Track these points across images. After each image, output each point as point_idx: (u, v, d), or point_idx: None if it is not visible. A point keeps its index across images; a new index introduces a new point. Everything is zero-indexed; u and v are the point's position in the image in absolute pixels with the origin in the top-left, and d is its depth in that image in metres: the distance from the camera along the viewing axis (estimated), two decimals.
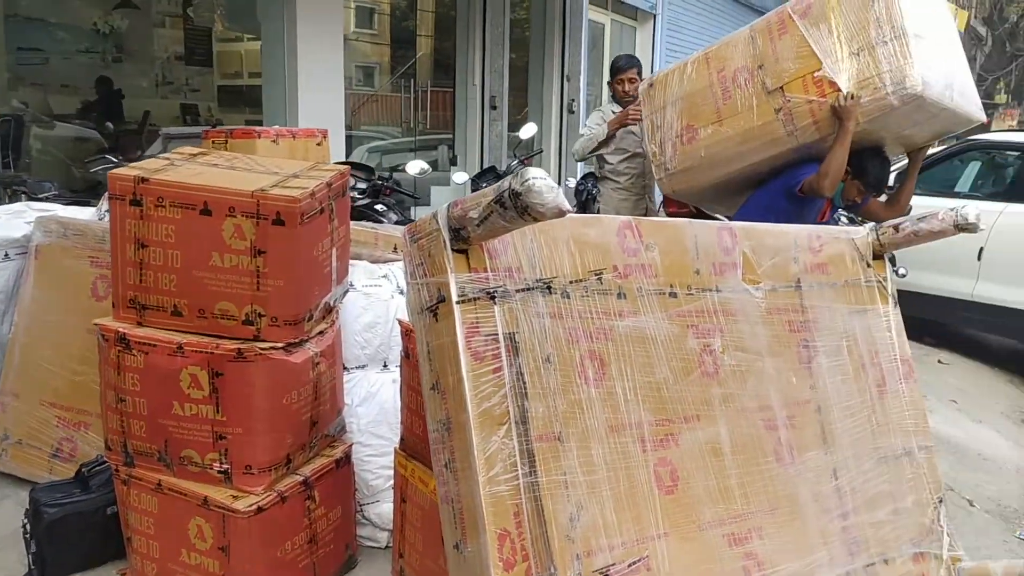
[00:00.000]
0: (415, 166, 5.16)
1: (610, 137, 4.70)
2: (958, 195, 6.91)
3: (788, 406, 2.32)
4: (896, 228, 2.67)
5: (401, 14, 8.84)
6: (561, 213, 1.63)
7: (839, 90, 3.42)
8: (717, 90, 3.83)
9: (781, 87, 3.60)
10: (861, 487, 2.42)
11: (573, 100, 9.48)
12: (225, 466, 2.19)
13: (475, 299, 1.78)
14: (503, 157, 8.57)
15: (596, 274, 2.00)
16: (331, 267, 2.41)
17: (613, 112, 4.80)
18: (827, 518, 2.31)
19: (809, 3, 3.61)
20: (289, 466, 2.29)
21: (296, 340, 2.24)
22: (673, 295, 2.15)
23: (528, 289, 1.87)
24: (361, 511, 2.68)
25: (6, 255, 3.11)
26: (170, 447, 2.22)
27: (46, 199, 4.00)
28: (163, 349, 2.17)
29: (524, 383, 1.80)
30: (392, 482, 2.65)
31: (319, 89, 6.57)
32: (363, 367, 2.77)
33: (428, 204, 7.55)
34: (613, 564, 1.79)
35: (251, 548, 2.17)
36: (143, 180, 2.18)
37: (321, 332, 2.37)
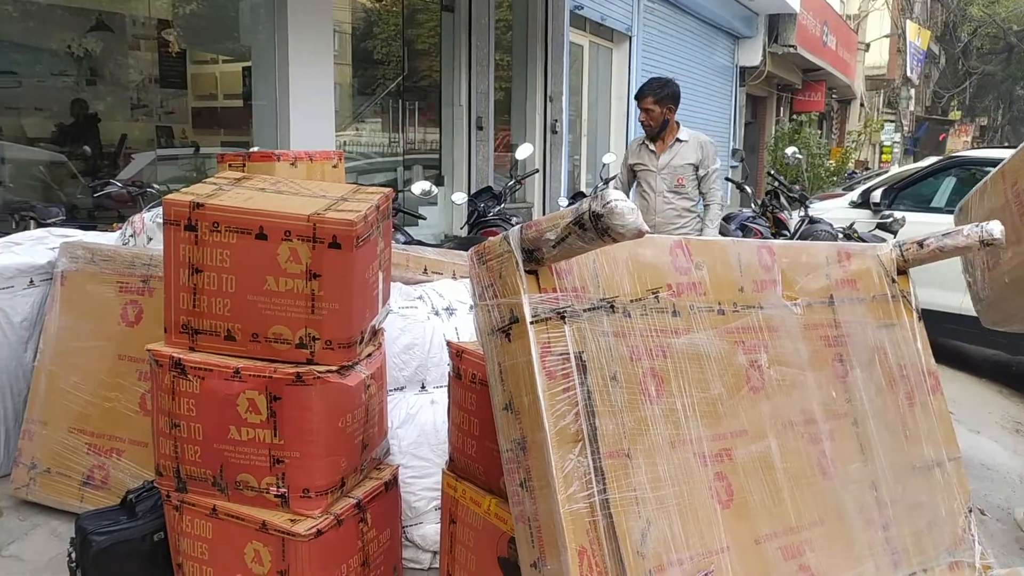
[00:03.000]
0: (419, 187, 5.19)
1: None
2: (934, 210, 7.08)
3: (829, 419, 2.37)
4: (921, 244, 2.73)
5: (387, 36, 8.88)
6: (641, 234, 1.66)
7: None
8: (1013, 207, 3.25)
9: None
10: (899, 498, 2.47)
11: (556, 120, 9.57)
12: (282, 490, 2.18)
13: (546, 319, 1.81)
14: (490, 176, 8.61)
15: (653, 293, 2.04)
16: (379, 289, 2.42)
17: (640, 146, 4.80)
18: (871, 529, 2.36)
19: None
20: (343, 489, 2.29)
21: (349, 363, 2.24)
22: (721, 312, 2.20)
23: (594, 308, 1.90)
24: (405, 533, 2.68)
25: (31, 282, 3.07)
26: (225, 472, 2.21)
27: (54, 224, 3.95)
28: (220, 374, 2.17)
29: (593, 401, 1.83)
30: (435, 503, 2.66)
31: (310, 109, 6.58)
32: (401, 389, 2.77)
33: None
34: None
35: (310, 571, 2.16)
36: (198, 206, 2.17)
37: (369, 355, 2.37)
